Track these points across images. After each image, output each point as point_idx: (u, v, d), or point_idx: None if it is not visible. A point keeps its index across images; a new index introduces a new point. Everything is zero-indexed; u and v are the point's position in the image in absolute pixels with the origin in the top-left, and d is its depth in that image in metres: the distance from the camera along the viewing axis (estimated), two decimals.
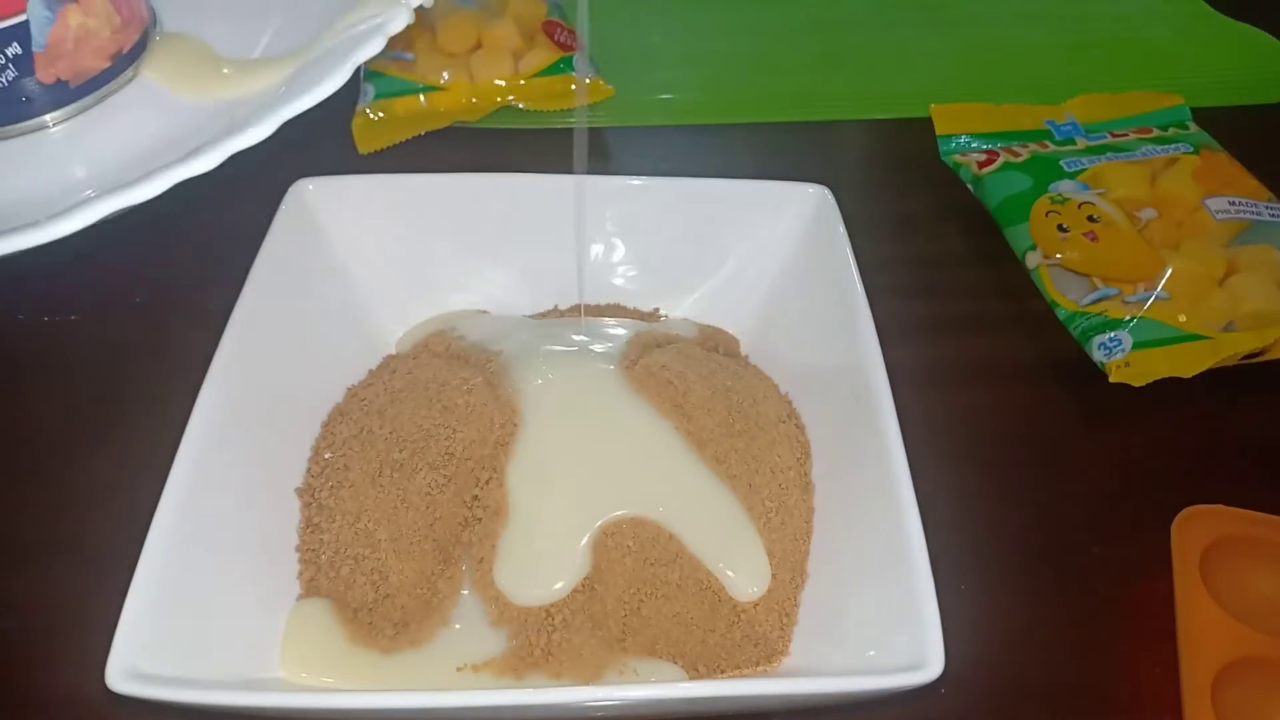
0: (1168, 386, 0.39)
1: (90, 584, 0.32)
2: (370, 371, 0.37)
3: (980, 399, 0.41)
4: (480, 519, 0.31)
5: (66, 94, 0.34)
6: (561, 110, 0.55)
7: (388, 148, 0.51)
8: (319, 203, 0.38)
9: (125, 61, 0.36)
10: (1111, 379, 0.39)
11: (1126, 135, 0.50)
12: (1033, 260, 0.44)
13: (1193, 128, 0.51)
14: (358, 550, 0.31)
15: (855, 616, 0.29)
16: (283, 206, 0.36)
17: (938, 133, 0.51)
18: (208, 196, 0.35)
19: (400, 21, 0.34)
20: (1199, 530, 0.35)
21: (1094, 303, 0.41)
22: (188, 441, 0.29)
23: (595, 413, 0.33)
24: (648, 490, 0.32)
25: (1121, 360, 0.39)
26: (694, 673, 0.30)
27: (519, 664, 0.29)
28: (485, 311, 0.40)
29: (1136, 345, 0.40)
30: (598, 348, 0.36)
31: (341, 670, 0.29)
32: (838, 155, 0.55)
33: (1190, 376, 0.39)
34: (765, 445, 0.33)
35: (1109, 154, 0.48)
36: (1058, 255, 0.43)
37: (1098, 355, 0.40)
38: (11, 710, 0.31)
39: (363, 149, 0.50)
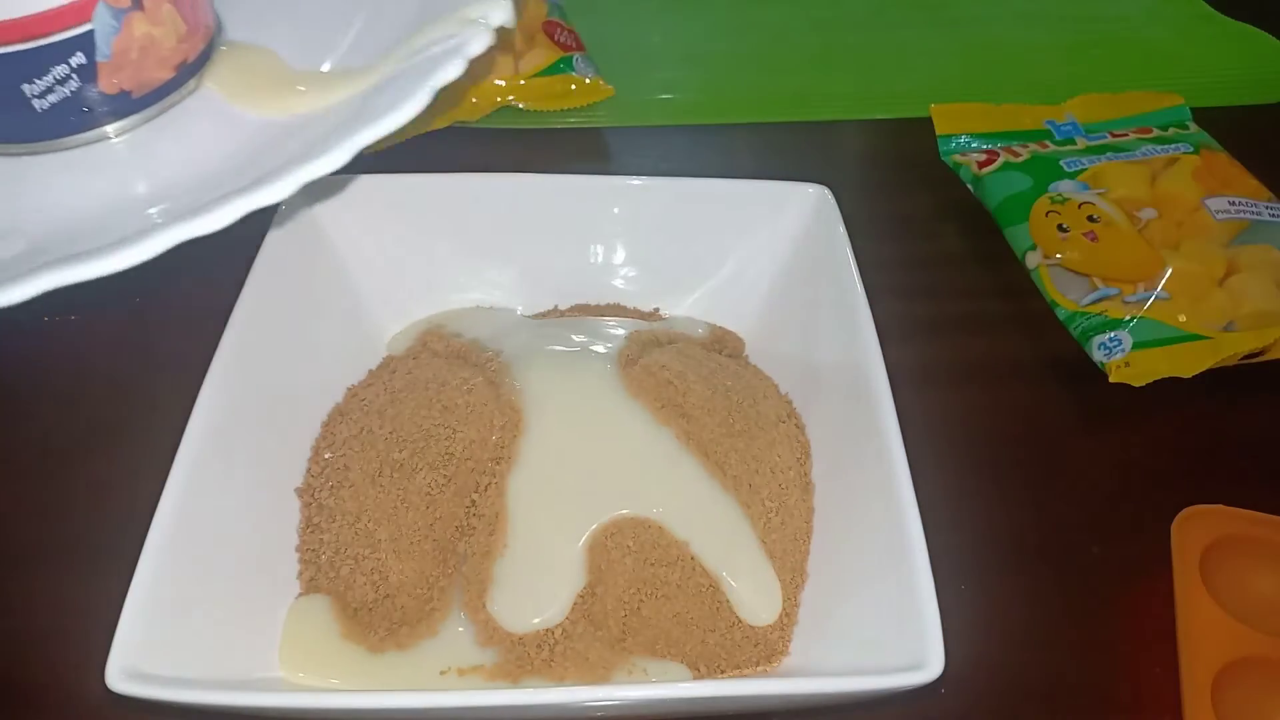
0: (1168, 386, 0.39)
1: (90, 584, 0.32)
2: (370, 371, 0.37)
3: (980, 399, 0.41)
4: (475, 528, 0.31)
5: (129, 104, 0.33)
6: (561, 110, 0.55)
7: (388, 148, 0.51)
8: (319, 202, 0.38)
9: (189, 72, 0.35)
10: (1111, 379, 0.39)
11: (1126, 135, 0.50)
12: (1033, 260, 0.44)
13: (1193, 128, 0.51)
14: (358, 550, 0.31)
15: (855, 616, 0.29)
16: (283, 206, 0.36)
17: (938, 133, 0.51)
18: None
19: (481, 42, 0.32)
20: (1199, 530, 0.35)
21: (1094, 303, 0.41)
22: (188, 441, 0.29)
23: (595, 414, 0.33)
24: (649, 493, 0.32)
25: (1121, 360, 0.39)
26: (694, 673, 0.30)
27: (516, 670, 0.29)
28: (478, 306, 0.40)
29: (1136, 345, 0.40)
30: (598, 347, 0.36)
31: (340, 670, 0.29)
32: (837, 155, 0.55)
33: (1190, 376, 0.39)
34: (765, 445, 0.33)
35: (1109, 154, 0.48)
36: (1058, 255, 0.43)
37: (1098, 355, 0.40)
38: (11, 710, 0.31)
39: None
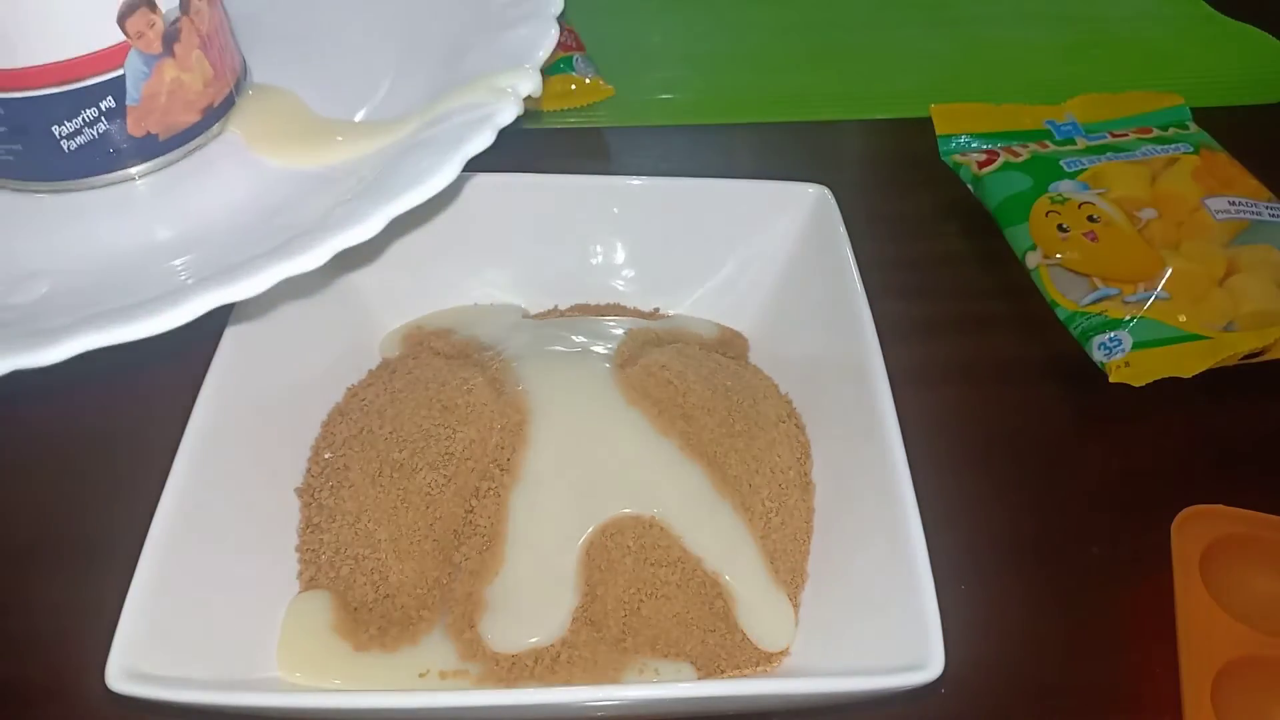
0: (1168, 386, 0.39)
1: (90, 584, 0.32)
2: (370, 371, 0.37)
3: (980, 399, 0.41)
4: (469, 539, 0.31)
5: (154, 147, 0.34)
6: (561, 110, 0.55)
7: None
8: None
9: (215, 115, 0.35)
10: (1111, 379, 0.39)
11: (1126, 135, 0.50)
12: (1033, 260, 0.44)
13: (1193, 128, 0.51)
14: (358, 550, 0.31)
15: (855, 616, 0.29)
16: None
17: (938, 133, 0.51)
18: None
19: (510, 113, 0.32)
20: (1199, 530, 0.35)
21: (1094, 303, 0.41)
22: (188, 441, 0.29)
23: (596, 414, 0.33)
24: (649, 492, 0.32)
25: (1121, 360, 0.39)
26: (695, 673, 0.30)
27: (508, 678, 0.29)
28: (478, 306, 0.40)
29: (1136, 345, 0.40)
30: (598, 347, 0.36)
31: (339, 670, 0.29)
32: (837, 155, 0.55)
33: (1190, 376, 0.39)
34: (765, 445, 0.33)
35: (1109, 154, 0.48)
36: (1058, 255, 0.43)
37: (1098, 355, 0.40)
38: (11, 710, 0.31)
39: None
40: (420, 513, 0.31)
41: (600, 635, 0.30)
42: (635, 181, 0.40)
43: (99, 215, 0.33)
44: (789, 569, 0.32)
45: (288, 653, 0.29)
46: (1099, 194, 0.45)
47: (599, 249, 0.41)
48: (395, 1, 0.40)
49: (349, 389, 0.36)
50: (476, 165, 0.39)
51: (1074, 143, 0.50)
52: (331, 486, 0.32)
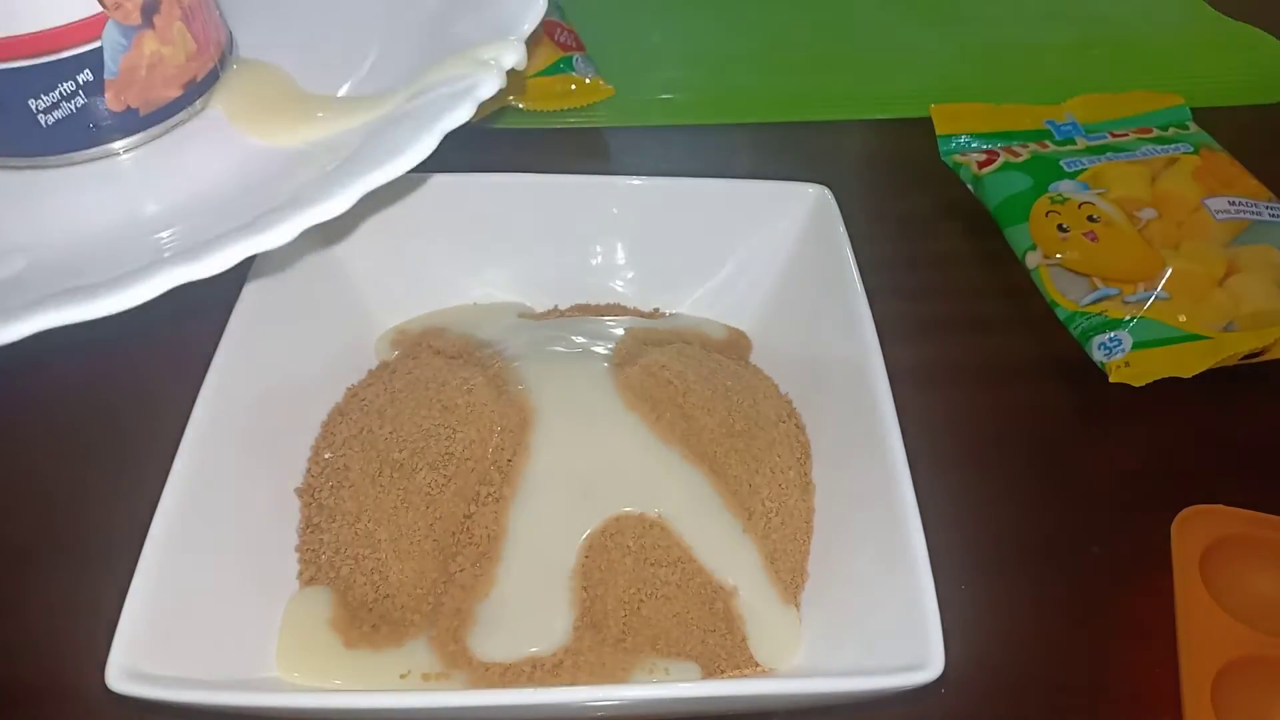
0: (1168, 386, 0.39)
1: (90, 584, 0.32)
2: (370, 371, 0.37)
3: (980, 399, 0.41)
4: (465, 548, 0.31)
5: (135, 122, 0.33)
6: (561, 110, 0.55)
7: None
8: None
9: (197, 90, 0.34)
10: (1111, 379, 0.39)
11: (1126, 135, 0.50)
12: (1033, 260, 0.44)
13: (1193, 128, 0.51)
14: (358, 550, 0.31)
15: (855, 616, 0.29)
16: None
17: (938, 133, 0.51)
18: None
19: (492, 85, 0.31)
20: (1199, 530, 0.35)
21: (1094, 303, 0.41)
22: (188, 441, 0.29)
23: (596, 415, 0.33)
24: (649, 492, 0.32)
25: (1121, 360, 0.39)
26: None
27: (500, 683, 0.29)
28: (477, 306, 0.40)
29: (1136, 345, 0.40)
30: (598, 347, 0.36)
31: (336, 668, 0.29)
32: (838, 155, 0.55)
33: (1190, 376, 0.39)
34: (765, 445, 0.33)
35: (1109, 154, 0.48)
36: (1058, 255, 0.43)
37: (1098, 355, 0.40)
38: (11, 710, 0.31)
39: None
40: (420, 513, 0.31)
41: (602, 638, 0.30)
42: (635, 181, 0.40)
43: (76, 191, 0.33)
44: (789, 569, 0.32)
45: (287, 652, 0.29)
46: (1099, 194, 0.45)
47: (599, 249, 0.41)
48: None
49: (349, 389, 0.36)
50: (476, 165, 0.40)
51: (1074, 143, 0.50)
52: (331, 486, 0.32)
